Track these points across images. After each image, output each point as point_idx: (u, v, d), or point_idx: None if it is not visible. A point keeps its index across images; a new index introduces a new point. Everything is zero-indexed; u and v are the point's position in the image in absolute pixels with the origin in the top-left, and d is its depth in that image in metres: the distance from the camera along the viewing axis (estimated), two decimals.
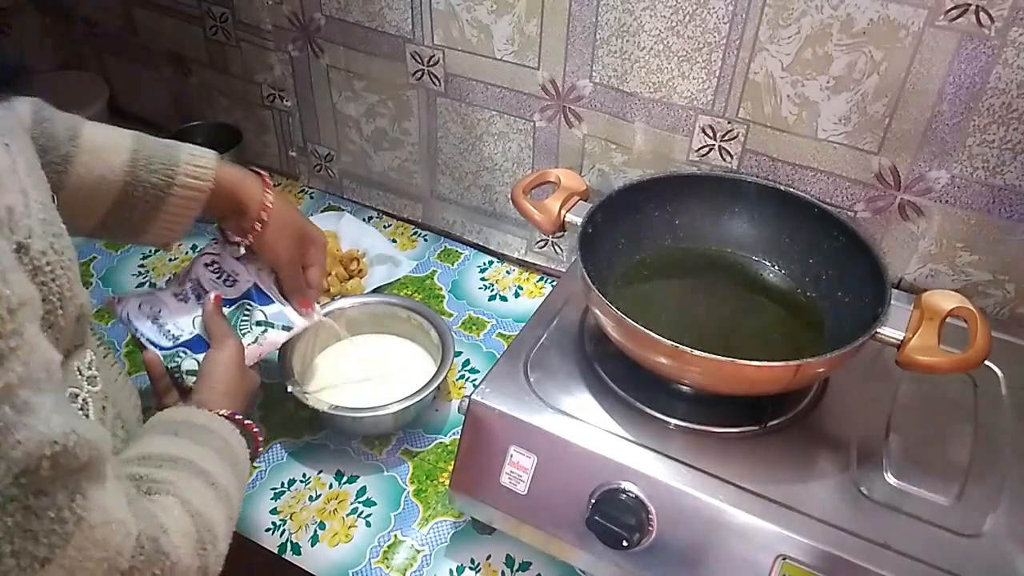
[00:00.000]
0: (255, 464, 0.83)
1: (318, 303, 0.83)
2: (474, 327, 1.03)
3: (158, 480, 0.55)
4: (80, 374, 0.57)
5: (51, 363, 0.43)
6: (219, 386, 0.70)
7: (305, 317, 0.80)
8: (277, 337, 0.78)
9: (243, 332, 0.77)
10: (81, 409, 0.56)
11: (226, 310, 0.77)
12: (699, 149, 0.90)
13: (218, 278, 0.79)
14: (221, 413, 0.67)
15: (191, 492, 0.55)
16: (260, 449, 0.72)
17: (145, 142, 0.70)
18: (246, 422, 0.69)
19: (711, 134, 0.88)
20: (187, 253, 1.13)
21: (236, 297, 0.78)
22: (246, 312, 0.78)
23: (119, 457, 0.58)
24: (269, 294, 0.79)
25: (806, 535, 0.62)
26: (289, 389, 0.83)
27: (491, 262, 1.13)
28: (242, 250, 0.79)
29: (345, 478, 0.85)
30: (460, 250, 1.15)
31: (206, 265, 0.80)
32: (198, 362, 0.73)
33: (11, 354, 0.39)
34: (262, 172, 0.78)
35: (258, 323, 0.77)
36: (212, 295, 0.76)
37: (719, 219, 0.87)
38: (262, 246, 0.77)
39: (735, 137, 0.87)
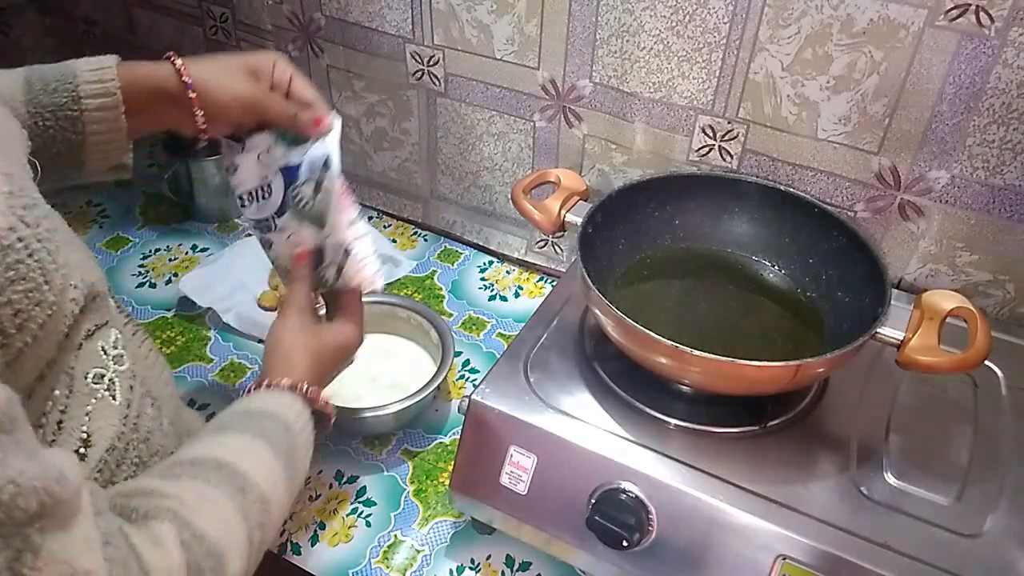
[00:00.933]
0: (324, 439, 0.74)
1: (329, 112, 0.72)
2: (474, 327, 1.03)
3: (167, 495, 0.50)
4: (105, 353, 0.56)
5: None
6: (289, 358, 0.65)
7: (326, 136, 0.70)
8: (333, 179, 0.69)
9: (304, 205, 0.70)
10: (108, 390, 0.56)
11: (284, 218, 0.71)
12: (699, 149, 0.90)
13: (258, 198, 0.73)
14: (283, 383, 0.63)
15: (201, 511, 0.50)
16: (331, 420, 0.67)
17: (35, 69, 0.65)
18: (307, 390, 0.64)
19: (711, 134, 0.88)
20: (187, 253, 1.13)
21: (280, 200, 0.72)
22: (297, 199, 0.71)
23: (161, 464, 0.55)
24: (291, 163, 0.71)
25: (806, 535, 0.62)
26: None
27: (491, 262, 1.13)
28: (240, 145, 0.72)
29: (345, 478, 0.85)
30: (460, 250, 1.15)
31: (247, 197, 0.74)
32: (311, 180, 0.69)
33: None
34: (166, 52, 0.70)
35: (312, 186, 0.70)
36: (299, 251, 0.71)
37: (719, 219, 0.87)
38: (219, 109, 0.68)
39: (735, 137, 0.87)
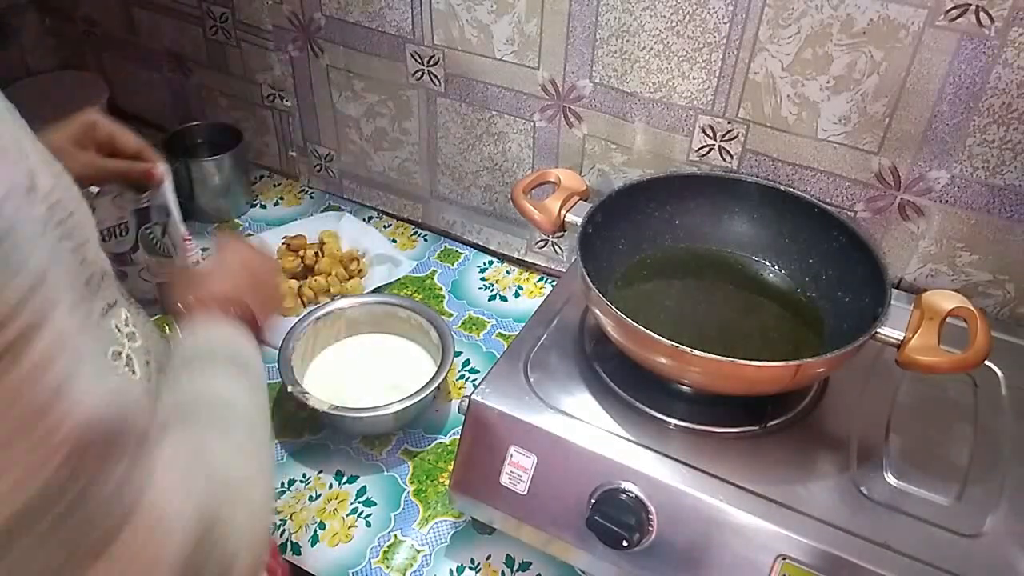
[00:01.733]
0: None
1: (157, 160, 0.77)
2: (474, 327, 1.03)
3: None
4: (119, 331, 0.57)
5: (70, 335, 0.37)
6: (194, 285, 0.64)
7: (160, 185, 0.78)
8: (175, 225, 0.81)
9: (155, 244, 0.82)
10: (127, 366, 0.56)
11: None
12: (699, 149, 0.90)
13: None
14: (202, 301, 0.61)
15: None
16: (262, 331, 0.65)
17: None
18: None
19: (711, 134, 0.88)
20: None
21: (135, 238, 0.84)
22: (151, 237, 0.82)
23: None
24: (140, 206, 0.82)
25: (806, 535, 0.62)
26: (289, 389, 0.83)
27: (491, 262, 1.13)
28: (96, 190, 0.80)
29: (345, 478, 0.85)
30: (460, 250, 1.15)
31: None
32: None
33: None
34: None
35: (160, 229, 0.82)
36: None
37: (719, 219, 0.86)
38: None
39: (735, 137, 0.87)
